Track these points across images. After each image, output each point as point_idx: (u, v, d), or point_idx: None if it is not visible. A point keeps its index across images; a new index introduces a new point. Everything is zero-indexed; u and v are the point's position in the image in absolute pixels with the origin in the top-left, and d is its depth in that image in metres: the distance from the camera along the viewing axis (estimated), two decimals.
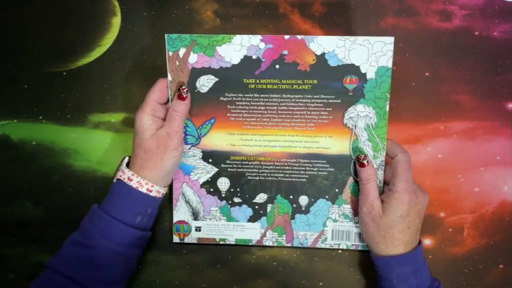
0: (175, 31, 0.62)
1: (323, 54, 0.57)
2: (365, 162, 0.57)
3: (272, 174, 0.61)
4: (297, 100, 0.59)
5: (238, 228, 0.62)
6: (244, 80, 0.58)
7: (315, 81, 0.58)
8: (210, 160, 0.61)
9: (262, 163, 0.60)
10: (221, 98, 0.59)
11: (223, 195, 0.61)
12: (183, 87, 0.55)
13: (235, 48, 0.58)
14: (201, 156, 0.61)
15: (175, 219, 0.62)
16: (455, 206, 0.62)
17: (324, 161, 0.60)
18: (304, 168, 0.60)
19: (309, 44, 0.57)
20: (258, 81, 0.58)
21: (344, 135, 0.59)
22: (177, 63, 0.58)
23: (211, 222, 0.62)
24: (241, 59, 0.58)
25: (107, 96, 0.64)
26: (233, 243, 0.62)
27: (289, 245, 0.62)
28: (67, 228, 0.63)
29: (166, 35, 0.57)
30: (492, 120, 0.62)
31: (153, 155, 0.54)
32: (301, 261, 0.64)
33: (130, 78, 0.63)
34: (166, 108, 0.57)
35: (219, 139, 0.60)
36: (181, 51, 0.58)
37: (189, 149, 0.60)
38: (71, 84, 0.64)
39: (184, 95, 0.55)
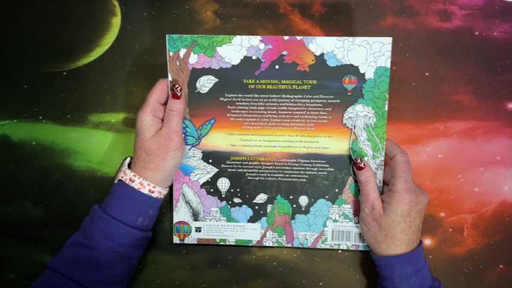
0: (175, 31, 0.62)
1: (322, 54, 0.57)
2: (362, 165, 0.57)
3: (272, 175, 0.61)
4: (296, 100, 0.59)
5: (238, 229, 0.62)
6: (244, 80, 0.59)
7: (314, 82, 0.58)
8: (210, 160, 0.61)
9: (262, 163, 0.60)
10: (221, 99, 0.59)
11: (224, 196, 0.61)
12: (176, 85, 0.55)
13: (235, 49, 0.58)
14: (201, 157, 0.61)
15: (175, 220, 0.62)
16: (455, 206, 0.62)
17: (324, 161, 0.60)
18: (304, 168, 0.60)
19: (308, 44, 0.57)
20: (257, 81, 0.58)
21: (343, 135, 0.59)
22: (178, 63, 0.58)
23: (212, 223, 0.62)
24: (241, 60, 0.58)
25: (107, 96, 0.64)
26: (233, 243, 0.62)
27: (289, 245, 0.62)
28: (67, 228, 0.64)
29: (167, 35, 0.57)
30: (492, 120, 0.61)
31: (155, 156, 0.54)
32: (301, 261, 0.64)
33: (130, 78, 0.63)
34: None
35: (219, 139, 0.60)
36: (182, 52, 0.58)
37: (189, 149, 0.60)
38: (71, 84, 0.64)
39: (178, 94, 0.55)
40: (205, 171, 0.61)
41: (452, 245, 0.63)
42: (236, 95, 0.59)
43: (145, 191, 0.55)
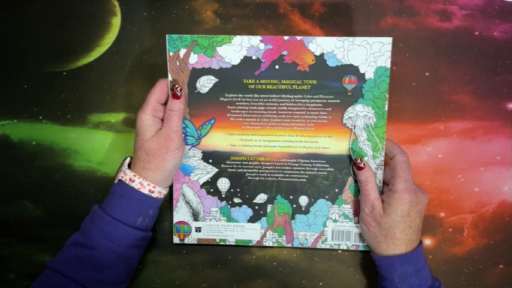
0: (175, 31, 0.62)
1: (322, 54, 0.57)
2: (362, 165, 0.57)
3: (272, 175, 0.61)
4: (296, 100, 0.59)
5: (238, 229, 0.62)
6: (244, 80, 0.59)
7: (314, 82, 0.58)
8: (210, 160, 0.61)
9: (262, 163, 0.60)
10: (221, 99, 0.59)
11: (223, 196, 0.61)
12: (176, 86, 0.55)
13: (235, 49, 0.58)
14: (201, 157, 0.61)
15: (175, 220, 0.62)
16: (455, 206, 0.62)
17: (324, 161, 0.60)
18: (304, 168, 0.60)
19: (308, 44, 0.57)
20: (257, 81, 0.58)
21: (343, 135, 0.59)
22: (178, 63, 0.58)
23: (212, 223, 0.62)
24: (241, 60, 0.58)
25: (107, 96, 0.64)
26: (233, 243, 0.62)
27: (289, 245, 0.62)
28: (67, 228, 0.64)
29: (167, 36, 0.57)
30: (492, 120, 0.61)
31: (155, 156, 0.54)
32: (301, 261, 0.64)
33: (130, 78, 0.63)
34: None
35: (219, 139, 0.60)
36: (182, 52, 0.58)
37: (189, 149, 0.60)
38: (71, 84, 0.64)
39: (178, 93, 0.55)
40: (205, 171, 0.61)
41: (452, 245, 0.63)
42: (236, 95, 0.59)
43: (145, 191, 0.55)
